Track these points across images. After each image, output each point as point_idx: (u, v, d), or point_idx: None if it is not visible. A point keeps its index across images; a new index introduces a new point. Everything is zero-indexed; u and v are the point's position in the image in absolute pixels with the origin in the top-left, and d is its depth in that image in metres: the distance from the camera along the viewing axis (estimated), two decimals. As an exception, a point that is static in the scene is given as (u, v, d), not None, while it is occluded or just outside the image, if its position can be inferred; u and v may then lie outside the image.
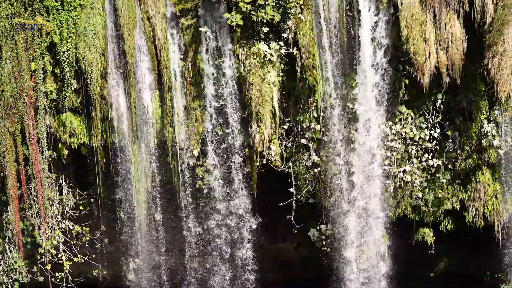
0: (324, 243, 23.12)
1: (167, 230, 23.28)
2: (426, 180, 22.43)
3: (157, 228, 23.11)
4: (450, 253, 24.18)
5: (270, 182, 22.83)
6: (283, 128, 22.22)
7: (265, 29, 20.92)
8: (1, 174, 22.56)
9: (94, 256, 24.02)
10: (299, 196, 22.79)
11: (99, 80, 21.62)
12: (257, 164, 22.18)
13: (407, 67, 21.17)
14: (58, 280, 23.55)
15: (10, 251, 23.45)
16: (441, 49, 21.02)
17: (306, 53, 21.19)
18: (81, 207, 23.57)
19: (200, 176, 22.40)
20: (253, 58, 21.04)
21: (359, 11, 20.89)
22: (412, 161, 22.20)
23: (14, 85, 21.74)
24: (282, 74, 21.58)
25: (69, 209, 23.50)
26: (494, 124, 21.66)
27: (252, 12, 20.48)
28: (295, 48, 21.23)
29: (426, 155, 22.14)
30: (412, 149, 22.10)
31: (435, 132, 21.91)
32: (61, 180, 23.42)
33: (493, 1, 20.61)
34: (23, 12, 21.52)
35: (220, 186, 22.47)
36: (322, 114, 21.72)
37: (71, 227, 23.58)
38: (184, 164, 22.35)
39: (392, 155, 22.06)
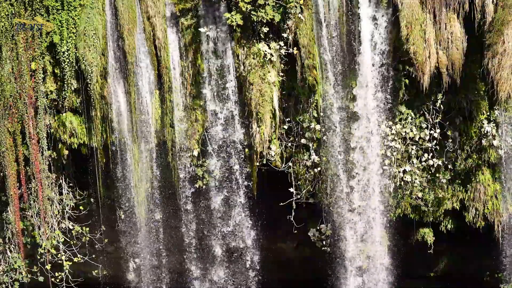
0: (324, 243, 23.11)
1: (167, 230, 23.28)
2: (426, 180, 22.42)
3: (157, 228, 23.10)
4: (450, 253, 24.18)
5: (270, 182, 22.83)
6: (283, 128, 22.22)
7: (265, 29, 20.92)
8: (1, 174, 22.55)
9: (94, 256, 24.00)
10: (299, 196, 22.78)
11: (99, 80, 21.63)
12: (257, 164, 22.18)
13: (407, 67, 21.16)
14: (58, 280, 23.52)
15: (10, 251, 23.43)
16: (441, 49, 21.02)
17: (306, 53, 21.20)
18: (81, 207, 23.56)
19: (200, 176, 22.40)
20: (253, 58, 21.04)
21: (359, 11, 20.89)
22: (412, 161, 22.20)
23: (14, 85, 21.73)
24: (282, 74, 21.58)
25: (69, 209, 23.49)
26: (494, 124, 21.65)
27: (252, 12, 20.48)
28: (295, 48, 21.23)
29: (426, 155, 22.13)
30: (412, 149, 22.09)
31: (435, 132, 21.90)
32: (61, 180, 23.41)
33: (493, 1, 20.61)
34: (23, 12, 21.51)
35: (220, 186, 22.46)
36: (322, 114, 21.73)
37: (71, 227, 23.56)
38: (184, 164, 22.34)
39: (392, 155, 22.06)
